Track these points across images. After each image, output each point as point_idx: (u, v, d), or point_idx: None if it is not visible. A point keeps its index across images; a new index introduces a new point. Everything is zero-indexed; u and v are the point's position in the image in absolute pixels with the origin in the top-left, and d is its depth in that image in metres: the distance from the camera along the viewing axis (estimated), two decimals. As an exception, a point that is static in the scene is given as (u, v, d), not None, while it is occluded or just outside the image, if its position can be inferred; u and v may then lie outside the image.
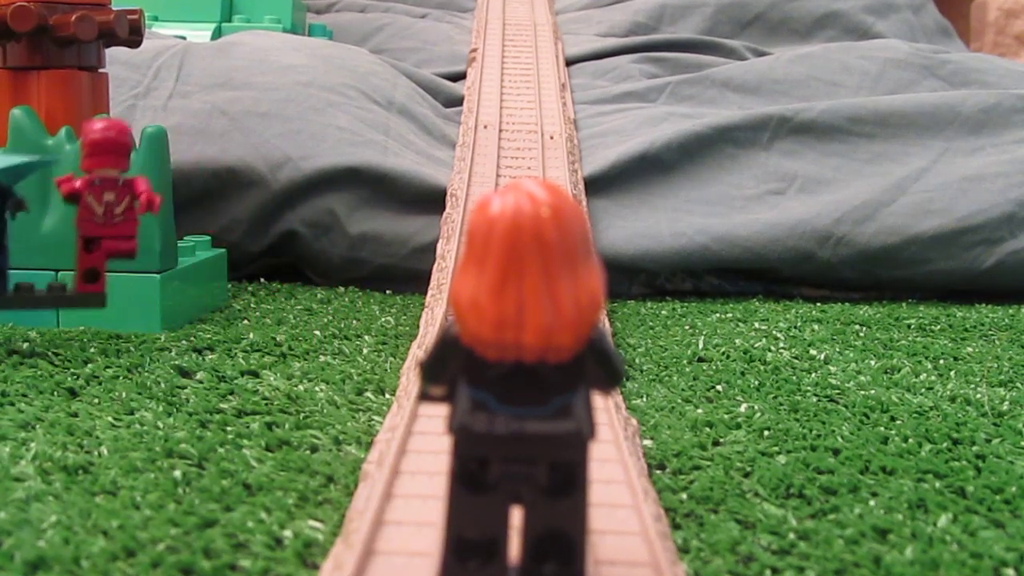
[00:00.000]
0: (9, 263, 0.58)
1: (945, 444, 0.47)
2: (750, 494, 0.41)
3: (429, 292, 0.69)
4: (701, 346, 0.65)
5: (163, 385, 0.52)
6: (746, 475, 0.43)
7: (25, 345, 0.58)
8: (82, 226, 0.57)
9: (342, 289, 0.85)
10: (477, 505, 0.27)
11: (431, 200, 0.84)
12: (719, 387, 0.56)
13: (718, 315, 0.77)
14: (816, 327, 0.73)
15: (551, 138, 0.92)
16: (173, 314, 0.66)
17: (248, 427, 0.47)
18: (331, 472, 0.41)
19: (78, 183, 0.57)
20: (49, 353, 0.57)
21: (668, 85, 1.08)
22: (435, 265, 0.72)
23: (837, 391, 0.55)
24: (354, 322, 0.71)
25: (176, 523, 0.36)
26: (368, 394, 0.53)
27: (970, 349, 0.67)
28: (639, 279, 0.86)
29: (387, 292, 0.84)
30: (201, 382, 0.54)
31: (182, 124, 0.86)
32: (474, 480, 0.27)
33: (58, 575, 0.32)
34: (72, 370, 0.55)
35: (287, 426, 0.47)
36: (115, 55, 0.86)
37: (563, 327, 0.25)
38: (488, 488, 0.27)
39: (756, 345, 0.65)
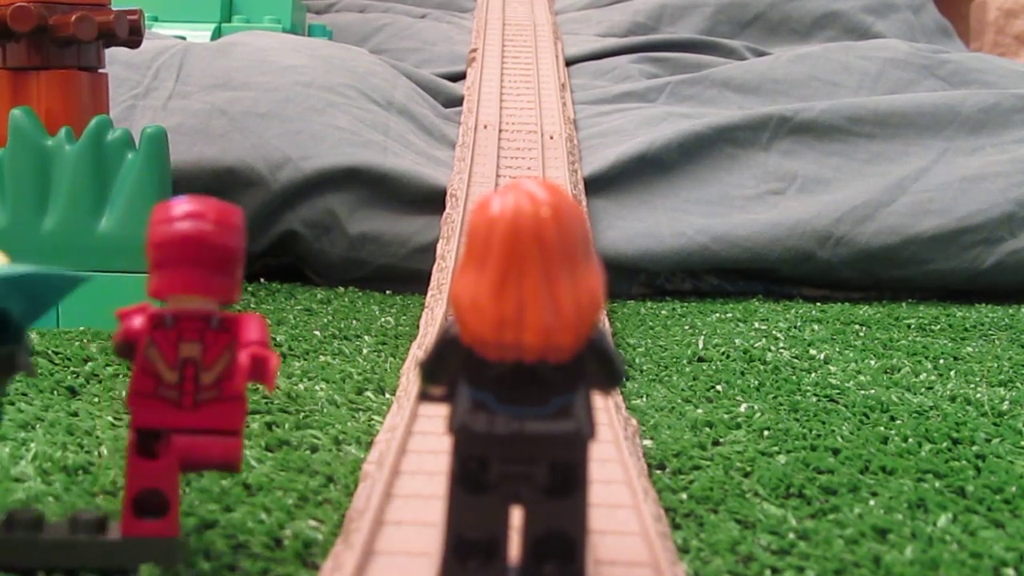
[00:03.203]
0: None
1: (945, 444, 0.47)
2: (750, 494, 0.41)
3: (429, 292, 0.69)
4: (701, 346, 0.65)
5: (163, 385, 0.52)
6: (746, 475, 0.43)
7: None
8: (136, 405, 0.31)
9: (342, 289, 0.85)
10: (477, 505, 0.27)
11: (431, 200, 0.84)
12: (719, 387, 0.56)
13: (718, 315, 0.77)
14: (816, 327, 0.73)
15: (551, 138, 0.92)
16: (173, 314, 0.66)
17: (248, 427, 0.47)
18: (331, 472, 0.41)
19: (137, 322, 0.31)
20: (49, 352, 0.57)
21: (668, 85, 1.08)
22: (435, 265, 0.72)
23: (837, 391, 0.55)
24: (354, 322, 0.71)
25: (176, 523, 0.36)
26: (368, 394, 0.53)
27: (970, 349, 0.67)
28: (639, 279, 0.86)
29: (387, 292, 0.84)
30: (201, 382, 0.54)
31: (182, 124, 0.86)
32: (474, 480, 0.27)
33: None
34: (72, 369, 0.55)
35: (287, 426, 0.47)
36: (115, 55, 0.86)
37: (563, 327, 0.25)
38: (488, 488, 0.27)
39: (756, 345, 0.65)
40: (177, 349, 0.31)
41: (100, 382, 0.53)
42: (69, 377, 0.53)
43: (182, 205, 0.30)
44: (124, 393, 0.48)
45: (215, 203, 0.30)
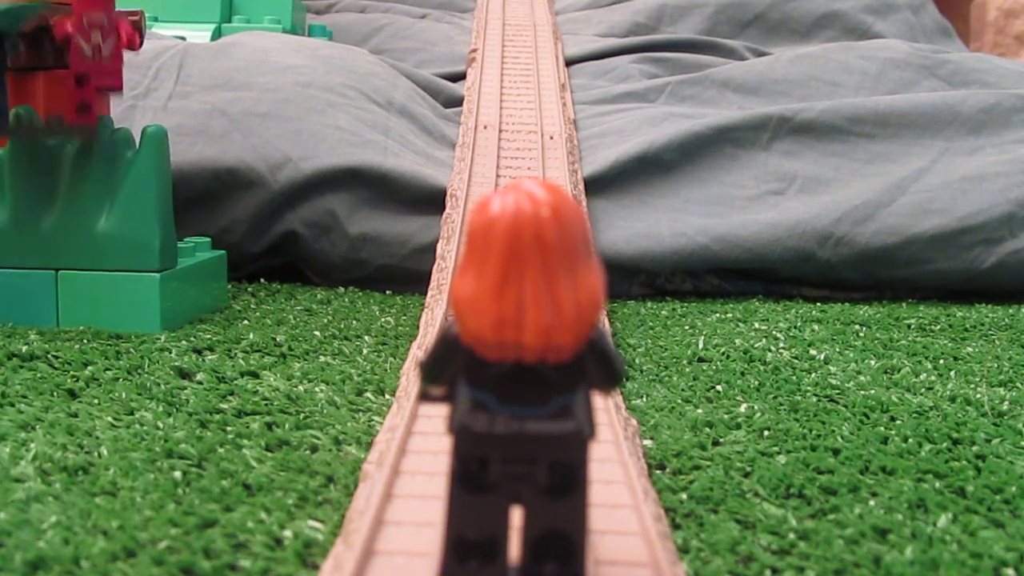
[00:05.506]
0: (7, 101, 0.64)
1: (945, 444, 0.47)
2: (750, 494, 0.41)
3: (429, 292, 0.69)
4: (701, 346, 0.65)
5: (163, 386, 0.52)
6: (746, 475, 0.43)
7: (24, 348, 0.58)
8: (73, 64, 0.63)
9: (342, 289, 0.85)
10: (477, 505, 0.27)
11: (431, 200, 0.84)
12: (719, 387, 0.56)
13: (718, 315, 0.77)
14: (816, 327, 0.73)
15: (551, 138, 0.92)
16: (173, 314, 0.66)
17: (248, 427, 0.47)
18: (331, 472, 0.41)
19: (69, 26, 0.62)
20: (49, 355, 0.57)
21: (668, 85, 1.08)
22: (435, 265, 0.72)
23: (837, 391, 0.55)
24: (354, 322, 0.71)
25: (176, 523, 0.36)
26: (368, 394, 0.53)
27: (970, 349, 0.67)
28: (639, 279, 0.86)
29: (387, 292, 0.84)
30: (201, 383, 0.54)
31: (182, 125, 0.86)
32: (474, 480, 0.27)
33: (58, 575, 0.32)
34: (72, 372, 0.55)
35: (287, 426, 0.47)
36: (115, 55, 0.86)
37: (563, 327, 0.25)
38: (488, 488, 0.27)
39: (756, 345, 0.65)
40: (90, 37, 0.62)
41: (100, 385, 0.53)
42: (69, 380, 0.53)
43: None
44: (123, 397, 0.48)
45: None
